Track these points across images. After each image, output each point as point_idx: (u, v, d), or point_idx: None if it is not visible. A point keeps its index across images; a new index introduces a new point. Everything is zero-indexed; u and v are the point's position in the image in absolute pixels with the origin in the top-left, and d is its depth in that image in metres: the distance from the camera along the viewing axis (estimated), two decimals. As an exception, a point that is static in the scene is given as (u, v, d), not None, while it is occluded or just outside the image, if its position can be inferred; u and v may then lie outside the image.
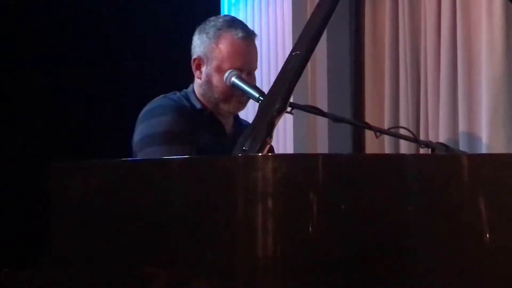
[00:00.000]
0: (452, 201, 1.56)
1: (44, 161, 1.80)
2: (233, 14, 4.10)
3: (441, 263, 1.54)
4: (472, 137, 3.05)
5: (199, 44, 2.41)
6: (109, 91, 3.61)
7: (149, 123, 2.31)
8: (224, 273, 1.54)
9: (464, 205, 1.56)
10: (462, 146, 3.04)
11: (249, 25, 4.02)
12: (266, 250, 1.51)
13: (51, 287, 1.73)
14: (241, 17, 4.06)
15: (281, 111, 1.83)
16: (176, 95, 2.42)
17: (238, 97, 2.35)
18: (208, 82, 2.38)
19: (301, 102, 2.45)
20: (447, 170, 1.58)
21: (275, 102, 1.82)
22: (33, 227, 2.42)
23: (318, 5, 2.00)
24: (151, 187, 1.63)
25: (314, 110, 2.30)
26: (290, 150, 3.68)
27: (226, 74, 2.32)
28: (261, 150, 1.75)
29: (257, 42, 3.97)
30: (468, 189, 1.57)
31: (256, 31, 3.96)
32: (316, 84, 3.72)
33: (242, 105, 2.40)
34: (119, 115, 2.81)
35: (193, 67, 2.42)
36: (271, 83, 1.94)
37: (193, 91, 2.42)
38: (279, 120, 1.85)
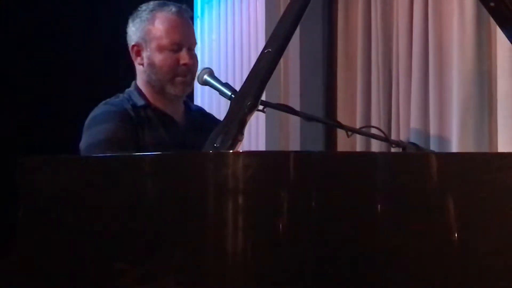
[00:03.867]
0: (421, 199, 1.57)
1: (10, 156, 1.79)
2: (206, 12, 4.11)
3: (411, 261, 1.55)
4: (442, 138, 3.08)
5: (134, 31, 2.42)
6: (71, 87, 3.60)
7: (91, 131, 2.32)
8: (194, 270, 1.54)
9: (433, 203, 1.57)
10: (433, 146, 3.06)
11: (222, 22, 4.05)
12: (236, 247, 1.51)
13: (19, 283, 1.71)
14: (214, 14, 4.06)
15: (252, 109, 1.83)
16: (119, 98, 2.41)
17: (183, 77, 2.36)
18: (151, 64, 2.38)
19: (274, 100, 2.46)
20: (416, 168, 1.59)
21: (247, 99, 1.82)
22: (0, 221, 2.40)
23: (291, 2, 2.00)
24: (121, 184, 1.62)
25: (286, 109, 2.31)
26: (262, 148, 3.69)
27: (198, 73, 2.32)
28: (232, 147, 1.75)
29: (230, 40, 3.98)
30: (436, 187, 1.58)
31: (229, 28, 3.99)
32: (288, 82, 3.73)
33: (188, 86, 2.41)
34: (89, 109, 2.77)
35: (133, 56, 2.42)
36: (243, 81, 1.93)
37: (136, 88, 2.42)
38: (250, 117, 1.84)
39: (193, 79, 2.38)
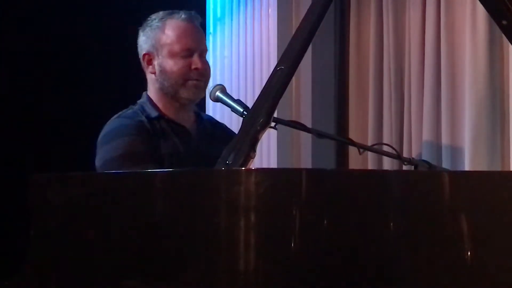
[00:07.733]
0: (434, 217, 1.56)
1: (22, 173, 1.79)
2: (218, 29, 4.12)
3: (425, 279, 1.55)
4: (455, 154, 3.07)
5: (145, 40, 2.42)
6: (90, 101, 3.61)
7: (108, 147, 2.30)
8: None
9: (445, 221, 1.56)
10: (445, 164, 3.06)
11: (234, 39, 4.06)
12: (248, 264, 1.50)
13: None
14: (226, 31, 4.07)
15: (265, 126, 1.83)
16: (132, 110, 2.40)
17: (194, 80, 2.36)
18: (163, 71, 2.37)
19: (285, 117, 2.47)
20: (429, 186, 1.59)
21: (259, 116, 1.82)
22: (14, 238, 2.40)
23: (303, 20, 2.01)
24: (133, 201, 1.62)
25: (298, 126, 2.30)
26: (274, 165, 3.68)
27: (211, 89, 2.32)
28: (244, 164, 1.74)
29: (242, 57, 3.98)
30: (449, 205, 1.57)
31: (242, 45, 3.99)
32: (300, 99, 3.73)
33: (202, 90, 2.40)
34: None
35: (144, 65, 2.42)
36: (256, 98, 1.94)
37: (148, 99, 2.41)
38: (262, 134, 1.85)
39: (206, 84, 2.39)
